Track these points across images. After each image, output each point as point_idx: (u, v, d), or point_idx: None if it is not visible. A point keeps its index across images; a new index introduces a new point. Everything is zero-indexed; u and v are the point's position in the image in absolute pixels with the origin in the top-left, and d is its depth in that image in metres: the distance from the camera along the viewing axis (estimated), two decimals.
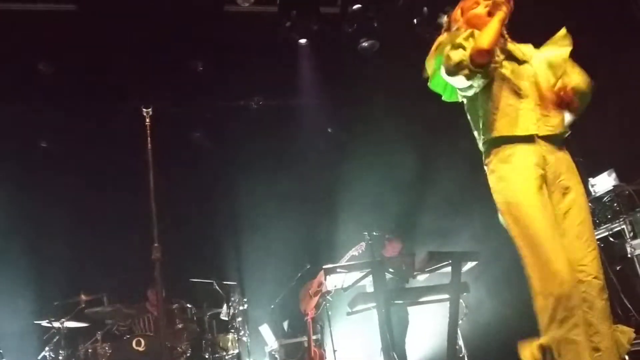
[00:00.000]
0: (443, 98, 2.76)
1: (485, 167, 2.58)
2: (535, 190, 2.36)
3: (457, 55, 2.41)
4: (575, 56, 2.63)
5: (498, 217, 2.52)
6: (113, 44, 5.55)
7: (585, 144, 5.17)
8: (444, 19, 2.84)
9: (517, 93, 2.48)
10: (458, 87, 2.57)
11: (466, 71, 2.40)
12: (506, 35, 2.62)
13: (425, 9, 5.73)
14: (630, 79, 4.80)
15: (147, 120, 3.20)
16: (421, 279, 5.15)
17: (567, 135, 2.58)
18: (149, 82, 5.57)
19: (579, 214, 2.42)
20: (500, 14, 2.47)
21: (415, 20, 5.80)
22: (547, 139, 2.47)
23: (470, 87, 2.51)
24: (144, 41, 5.66)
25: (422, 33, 5.76)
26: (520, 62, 2.57)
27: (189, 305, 5.76)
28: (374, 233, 5.58)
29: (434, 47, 2.63)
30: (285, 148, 7.12)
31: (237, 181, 6.91)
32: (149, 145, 3.18)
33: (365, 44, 5.86)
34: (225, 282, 5.97)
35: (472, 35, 2.47)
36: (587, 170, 5.14)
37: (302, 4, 5.51)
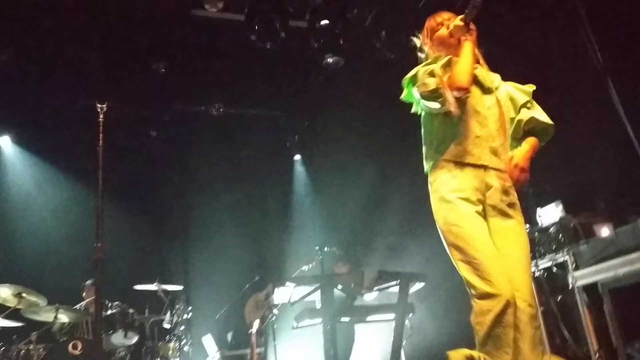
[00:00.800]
0: (412, 110, 2.77)
1: (428, 185, 2.60)
2: (473, 212, 2.40)
3: (432, 83, 2.46)
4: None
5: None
6: (74, 38, 5.43)
7: (534, 175, 5.33)
8: (415, 40, 2.85)
9: (477, 120, 2.52)
10: (428, 106, 2.58)
11: (441, 99, 2.45)
12: (480, 61, 2.67)
13: (383, 33, 5.82)
14: (579, 115, 4.97)
15: (101, 116, 3.13)
16: (369, 298, 5.18)
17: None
18: (106, 79, 5.45)
19: (518, 240, 2.45)
20: (469, 45, 2.52)
21: (378, 42, 5.88)
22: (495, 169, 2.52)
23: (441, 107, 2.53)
24: (107, 38, 5.56)
25: (386, 54, 5.85)
26: (485, 90, 2.60)
27: (130, 310, 5.63)
28: (326, 249, 5.59)
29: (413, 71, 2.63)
30: (242, 157, 7.07)
31: (190, 187, 6.82)
32: (100, 141, 3.10)
33: (330, 60, 5.90)
34: (169, 289, 5.85)
35: (449, 63, 2.52)
36: (535, 200, 5.29)
37: (270, 15, 5.51)
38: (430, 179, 2.59)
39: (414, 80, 2.57)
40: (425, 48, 2.75)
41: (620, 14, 4.57)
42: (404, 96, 2.73)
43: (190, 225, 6.92)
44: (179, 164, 6.94)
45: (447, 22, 2.66)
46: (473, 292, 2.32)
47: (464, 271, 2.36)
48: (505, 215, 2.47)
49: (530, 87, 2.72)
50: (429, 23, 2.76)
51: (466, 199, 2.43)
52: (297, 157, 7.49)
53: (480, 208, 2.44)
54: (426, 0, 5.41)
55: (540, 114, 2.70)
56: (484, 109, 2.55)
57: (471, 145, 2.49)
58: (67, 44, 5.47)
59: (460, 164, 2.48)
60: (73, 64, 5.64)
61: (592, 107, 4.90)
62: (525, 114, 2.66)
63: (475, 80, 2.57)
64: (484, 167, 2.48)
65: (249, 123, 7.21)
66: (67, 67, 5.70)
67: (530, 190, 5.22)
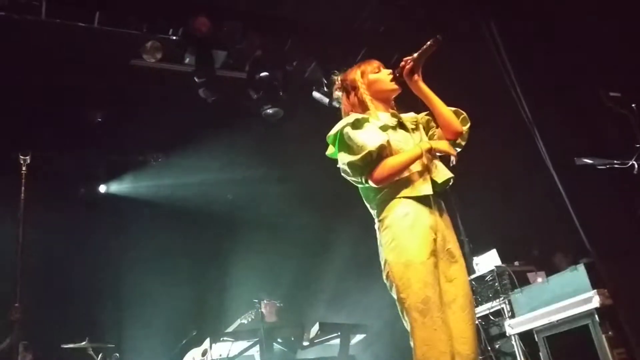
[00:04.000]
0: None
1: (376, 225, 2.51)
2: (427, 254, 2.33)
3: (355, 172, 2.47)
4: (465, 149, 2.75)
5: (388, 288, 2.43)
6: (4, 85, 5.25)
7: (470, 225, 5.46)
8: (336, 77, 2.81)
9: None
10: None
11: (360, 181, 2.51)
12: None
13: (325, 83, 5.94)
14: (513, 169, 5.16)
15: (24, 168, 2.99)
16: (310, 352, 5.08)
17: (450, 183, 2.57)
18: (36, 129, 5.28)
19: (463, 286, 2.41)
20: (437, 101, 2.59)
21: (317, 93, 5.99)
22: (439, 195, 2.51)
23: None
24: (40, 87, 5.41)
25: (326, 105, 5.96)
26: (408, 130, 2.62)
27: None
28: (264, 300, 5.49)
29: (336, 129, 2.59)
30: (180, 208, 6.94)
31: (123, 238, 6.60)
32: (22, 195, 2.96)
33: (269, 111, 5.93)
34: (100, 346, 5.55)
35: (369, 156, 2.43)
36: (471, 249, 5.41)
37: (209, 66, 5.53)
38: (379, 217, 2.49)
39: (339, 143, 2.55)
40: (354, 88, 2.68)
41: (547, 68, 4.83)
42: (330, 153, 2.71)
43: (123, 279, 6.66)
44: (112, 215, 6.73)
45: (387, 69, 2.69)
46: (416, 339, 2.26)
47: (410, 316, 2.28)
48: (452, 257, 2.44)
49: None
50: (365, 66, 2.72)
51: (422, 240, 2.36)
52: (234, 206, 7.41)
53: (434, 248, 2.38)
54: (364, 54, 5.58)
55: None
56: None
57: (411, 181, 2.47)
58: None
59: (410, 198, 2.45)
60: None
61: (523, 160, 5.10)
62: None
63: (401, 124, 2.62)
64: (430, 200, 2.46)
65: (187, 172, 7.11)
66: None
67: (466, 240, 5.34)
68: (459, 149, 2.67)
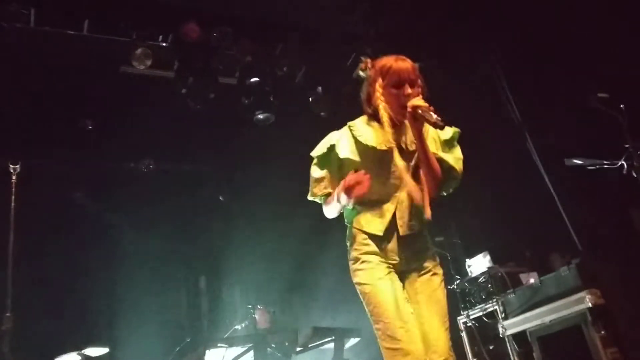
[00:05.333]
0: None
1: (347, 244, 2.58)
2: (386, 272, 2.39)
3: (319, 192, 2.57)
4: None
5: None
6: None
7: (463, 227, 5.48)
8: (366, 59, 2.58)
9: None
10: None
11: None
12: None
13: (319, 88, 5.97)
14: (505, 171, 5.19)
15: (14, 177, 2.98)
16: (306, 355, 5.07)
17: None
18: (26, 138, 5.25)
19: (433, 295, 2.42)
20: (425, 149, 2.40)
21: (310, 98, 6.01)
22: (410, 236, 2.46)
23: None
24: (29, 95, 5.38)
25: (317, 110, 5.97)
26: (402, 152, 2.47)
27: None
28: (258, 307, 5.47)
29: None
30: (172, 215, 6.90)
31: (116, 247, 6.56)
32: (12, 204, 2.94)
33: (260, 116, 5.94)
34: (93, 357, 5.50)
35: (328, 192, 2.52)
36: (464, 251, 5.42)
37: (199, 72, 5.53)
38: (347, 241, 2.58)
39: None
40: (376, 87, 2.45)
41: (537, 70, 4.87)
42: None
43: (117, 286, 6.61)
44: (104, 223, 6.68)
45: (410, 85, 2.41)
46: (386, 354, 2.30)
47: (379, 334, 2.34)
48: (418, 272, 2.45)
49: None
50: (392, 64, 2.43)
51: (379, 261, 2.42)
52: (228, 211, 7.39)
53: (394, 269, 2.43)
54: (353, 59, 5.60)
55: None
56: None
57: (375, 217, 2.48)
58: None
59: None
60: None
61: (513, 161, 5.13)
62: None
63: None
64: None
65: (179, 179, 7.09)
66: None
67: (459, 242, 5.36)
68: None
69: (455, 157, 2.55)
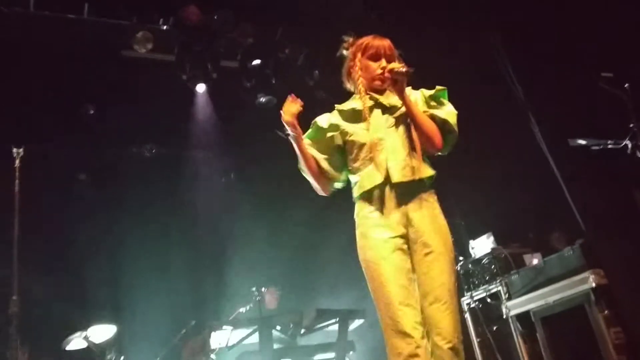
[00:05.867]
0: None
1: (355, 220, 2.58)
2: (390, 250, 2.38)
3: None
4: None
5: None
6: None
7: (466, 208, 5.48)
8: (349, 38, 2.77)
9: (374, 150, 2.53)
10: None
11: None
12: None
13: (316, 72, 5.93)
14: (508, 152, 5.17)
15: (17, 161, 2.98)
16: (310, 337, 5.10)
17: (432, 181, 2.54)
18: (28, 122, 5.24)
19: (439, 276, 2.38)
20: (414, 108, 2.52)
21: (311, 81, 5.98)
22: (408, 188, 2.47)
23: None
24: (31, 80, 5.36)
25: (318, 92, 5.94)
26: (385, 110, 2.60)
27: None
28: (263, 289, 5.49)
29: None
30: (176, 198, 6.92)
31: (120, 231, 6.57)
32: (17, 187, 2.94)
33: (262, 99, 5.92)
34: (98, 340, 5.54)
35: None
36: (468, 232, 5.42)
37: (200, 55, 5.50)
38: (354, 216, 2.58)
39: None
40: (355, 62, 2.67)
41: (540, 50, 4.83)
42: None
43: (121, 270, 6.64)
44: (108, 207, 6.70)
45: (385, 57, 2.61)
46: (385, 333, 2.32)
47: (379, 311, 2.35)
48: (427, 249, 2.41)
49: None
50: (370, 41, 2.66)
51: (385, 237, 2.41)
52: (231, 195, 7.41)
53: (401, 243, 2.41)
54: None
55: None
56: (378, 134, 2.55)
57: (372, 172, 2.50)
58: None
59: (371, 194, 2.49)
60: None
61: (517, 142, 5.11)
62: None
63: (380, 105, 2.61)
64: (390, 190, 2.46)
65: (182, 163, 7.09)
66: None
67: (462, 223, 5.36)
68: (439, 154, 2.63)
69: (447, 112, 2.61)
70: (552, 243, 4.79)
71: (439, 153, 2.62)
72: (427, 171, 2.50)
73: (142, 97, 5.86)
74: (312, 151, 2.67)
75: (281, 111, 2.57)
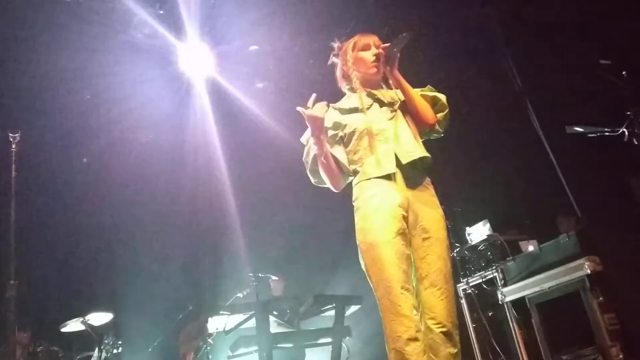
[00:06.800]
0: None
1: (353, 205, 2.60)
2: (393, 234, 2.39)
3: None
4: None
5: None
6: None
7: (463, 195, 5.49)
8: (336, 44, 2.86)
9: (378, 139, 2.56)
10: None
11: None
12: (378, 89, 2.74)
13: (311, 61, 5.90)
14: (505, 139, 5.17)
15: (13, 146, 2.97)
16: (306, 322, 5.13)
17: (429, 165, 2.60)
18: (23, 106, 5.22)
19: (436, 262, 2.42)
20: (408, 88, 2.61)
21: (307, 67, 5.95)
22: (409, 172, 2.51)
23: None
24: (27, 65, 5.33)
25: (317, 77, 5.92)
26: (383, 104, 2.66)
27: (55, 348, 5.34)
28: (259, 275, 5.52)
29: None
30: (173, 185, 6.92)
31: (116, 215, 6.58)
32: (13, 173, 2.94)
33: (260, 85, 5.90)
34: (97, 324, 5.58)
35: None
36: (463, 219, 5.44)
37: (198, 40, 5.47)
38: (353, 198, 2.59)
39: None
40: (344, 58, 2.77)
41: (538, 37, 4.82)
42: None
43: (118, 255, 6.66)
44: (106, 192, 6.69)
45: (375, 49, 2.68)
46: (384, 316, 2.34)
47: (378, 294, 2.37)
48: (425, 234, 2.45)
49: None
50: (358, 38, 2.76)
51: (387, 220, 2.42)
52: (228, 182, 7.41)
53: (402, 227, 2.42)
54: (353, 27, 5.52)
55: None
56: (381, 125, 2.59)
57: (378, 160, 2.52)
58: None
59: (378, 178, 2.51)
60: None
61: (514, 130, 5.11)
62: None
63: (376, 99, 2.67)
64: (396, 177, 2.49)
65: (179, 150, 7.07)
66: None
67: (458, 210, 5.37)
68: (436, 135, 2.73)
69: (436, 93, 2.72)
70: (555, 225, 4.76)
71: (435, 132, 2.70)
72: (425, 152, 2.57)
73: (139, 81, 5.83)
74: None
75: (305, 112, 2.55)
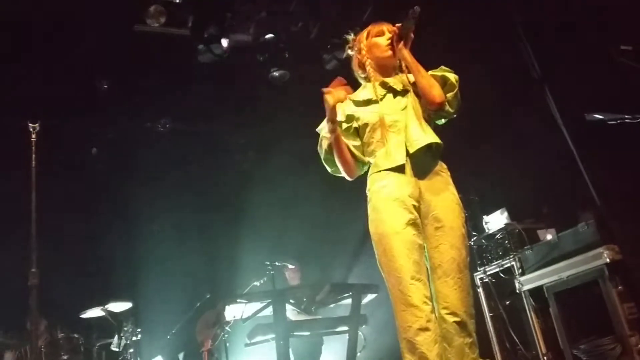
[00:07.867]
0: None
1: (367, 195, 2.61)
2: (403, 224, 2.39)
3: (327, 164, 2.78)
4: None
5: None
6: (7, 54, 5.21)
7: (480, 184, 5.45)
8: (350, 36, 2.89)
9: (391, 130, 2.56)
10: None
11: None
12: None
13: (328, 46, 5.87)
14: (523, 127, 5.11)
15: (33, 136, 3.01)
16: (323, 310, 5.16)
17: (441, 151, 2.60)
18: (43, 97, 5.26)
19: (449, 251, 2.41)
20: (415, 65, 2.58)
21: (324, 54, 5.92)
22: (420, 160, 2.51)
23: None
24: (44, 55, 5.37)
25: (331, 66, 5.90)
26: (397, 93, 2.65)
27: (75, 335, 5.42)
28: (276, 263, 5.55)
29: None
30: (190, 173, 6.96)
31: (135, 205, 6.64)
32: (33, 163, 2.98)
33: (276, 74, 5.88)
34: (117, 311, 5.66)
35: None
36: (481, 208, 5.40)
37: (214, 30, 5.46)
38: (366, 190, 2.61)
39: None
40: (357, 48, 2.79)
41: (557, 23, 4.74)
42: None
43: (137, 244, 6.73)
44: (122, 182, 6.75)
45: (389, 33, 2.69)
46: (395, 306, 2.34)
47: (389, 284, 2.38)
48: (438, 223, 2.45)
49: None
50: (372, 27, 2.77)
51: (398, 210, 2.42)
52: (245, 169, 7.44)
53: (414, 217, 2.43)
54: (370, 12, 5.48)
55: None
56: (394, 115, 2.58)
57: (389, 151, 2.52)
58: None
59: (388, 170, 2.51)
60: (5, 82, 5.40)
61: (532, 117, 5.05)
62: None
63: (389, 88, 2.66)
64: (407, 169, 2.49)
65: (195, 138, 7.10)
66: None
67: (476, 199, 5.34)
68: (447, 117, 2.69)
69: (447, 73, 2.67)
70: (579, 214, 4.70)
71: (446, 112, 2.64)
72: (436, 139, 2.55)
73: (156, 71, 5.85)
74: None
75: (325, 93, 2.57)
